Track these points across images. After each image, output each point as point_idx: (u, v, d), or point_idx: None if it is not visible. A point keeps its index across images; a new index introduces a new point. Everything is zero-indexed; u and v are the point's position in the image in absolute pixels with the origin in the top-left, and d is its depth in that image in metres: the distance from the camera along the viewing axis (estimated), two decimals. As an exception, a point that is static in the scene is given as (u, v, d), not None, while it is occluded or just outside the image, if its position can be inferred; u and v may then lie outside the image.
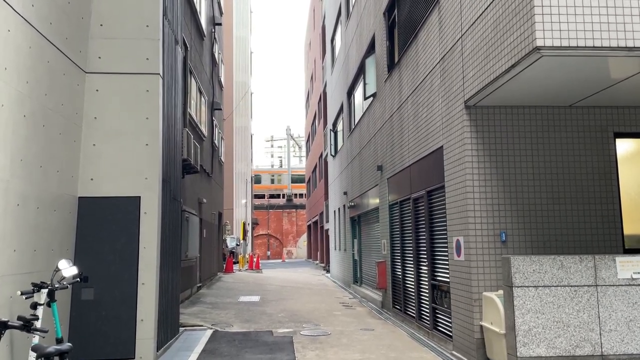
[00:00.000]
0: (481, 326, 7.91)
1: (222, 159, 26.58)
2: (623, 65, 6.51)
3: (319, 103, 37.01)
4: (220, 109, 23.89)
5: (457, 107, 8.54)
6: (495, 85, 7.24)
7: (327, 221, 30.30)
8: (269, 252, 66.36)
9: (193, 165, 13.80)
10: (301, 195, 71.97)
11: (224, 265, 29.43)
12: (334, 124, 25.34)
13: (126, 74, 8.42)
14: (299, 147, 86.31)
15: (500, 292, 7.71)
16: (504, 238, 7.99)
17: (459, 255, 8.45)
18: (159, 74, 8.47)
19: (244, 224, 41.99)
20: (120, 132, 8.35)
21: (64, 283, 6.37)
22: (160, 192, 8.42)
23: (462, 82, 8.31)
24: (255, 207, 66.52)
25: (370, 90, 15.29)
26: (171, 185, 9.74)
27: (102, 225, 8.14)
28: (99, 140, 8.32)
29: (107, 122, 8.37)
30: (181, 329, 11.33)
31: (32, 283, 6.01)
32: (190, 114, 15.35)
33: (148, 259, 8.14)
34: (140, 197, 8.21)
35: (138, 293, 8.07)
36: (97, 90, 8.41)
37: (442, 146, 9.19)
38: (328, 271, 30.23)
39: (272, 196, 72.73)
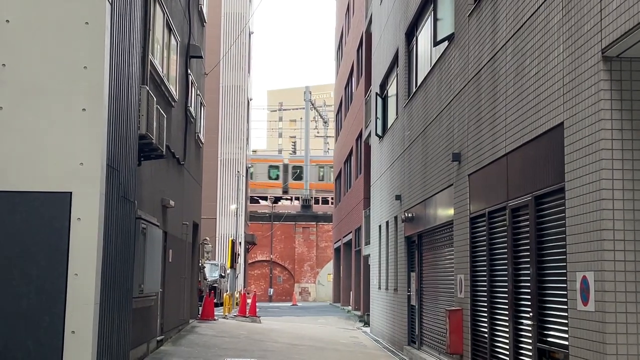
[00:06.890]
0: None
1: (202, 137, 20.56)
2: None
3: (358, 50, 28.69)
4: (201, 57, 18.56)
5: (589, 57, 6.66)
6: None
7: (367, 242, 25.78)
8: (271, 290, 52.09)
9: (155, 145, 10.47)
10: (325, 200, 54.98)
11: (201, 309, 23.92)
12: (383, 85, 20.52)
13: (55, -4, 6.92)
14: (325, 122, 67.44)
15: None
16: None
17: (585, 303, 6.62)
18: (106, -3, 6.84)
19: (233, 244, 31.14)
20: (41, 88, 6.99)
21: None
22: (103, 187, 7.04)
23: (599, 18, 6.41)
24: (252, 217, 50.56)
25: (445, 30, 12.30)
26: (121, 177, 8.26)
27: (7, 238, 6.72)
28: (7, 102, 6.80)
29: (22, 73, 7.01)
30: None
31: None
32: (153, 64, 11.36)
33: (82, 293, 6.87)
34: (71, 193, 6.89)
35: (65, 347, 6.68)
36: (7, 21, 6.82)
37: (561, 123, 7.27)
38: (367, 323, 25.06)
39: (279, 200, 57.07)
